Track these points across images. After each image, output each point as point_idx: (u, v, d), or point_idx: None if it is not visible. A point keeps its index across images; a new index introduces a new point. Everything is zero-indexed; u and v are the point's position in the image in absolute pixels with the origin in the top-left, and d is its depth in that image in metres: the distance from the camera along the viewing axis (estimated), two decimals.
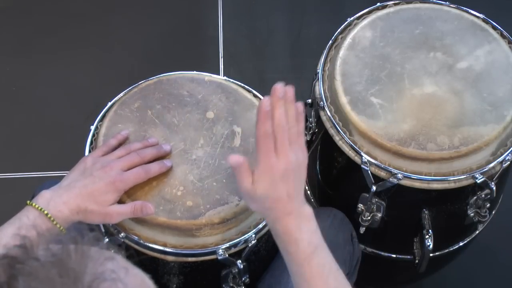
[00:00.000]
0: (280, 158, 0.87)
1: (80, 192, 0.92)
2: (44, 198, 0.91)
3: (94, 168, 0.95)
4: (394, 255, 1.30)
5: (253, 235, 1.00)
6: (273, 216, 0.88)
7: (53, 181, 0.97)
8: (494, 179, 1.11)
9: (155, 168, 0.99)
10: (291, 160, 0.87)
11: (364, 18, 1.22)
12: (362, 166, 1.10)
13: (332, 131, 1.13)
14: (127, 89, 1.12)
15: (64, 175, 0.97)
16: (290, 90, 0.91)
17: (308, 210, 0.89)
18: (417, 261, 1.22)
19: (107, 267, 0.54)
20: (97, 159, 0.97)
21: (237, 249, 1.00)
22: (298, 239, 0.87)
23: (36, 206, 0.90)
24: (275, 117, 0.87)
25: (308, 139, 1.26)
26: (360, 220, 1.17)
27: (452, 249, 1.29)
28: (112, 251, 0.58)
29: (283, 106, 0.89)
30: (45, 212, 0.90)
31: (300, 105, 0.92)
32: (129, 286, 0.55)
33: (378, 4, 1.24)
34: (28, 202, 0.91)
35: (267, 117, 0.87)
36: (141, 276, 0.58)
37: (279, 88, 0.90)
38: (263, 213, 0.91)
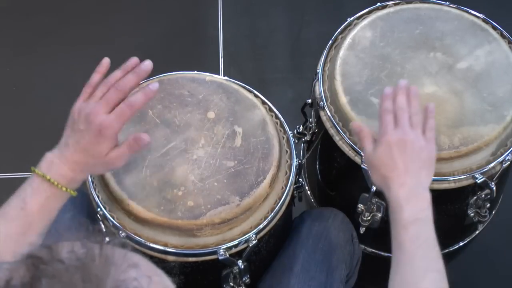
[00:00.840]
0: (397, 129, 0.95)
1: (75, 150, 0.89)
2: (47, 162, 0.89)
3: (80, 120, 0.90)
4: None
5: (254, 235, 1.00)
6: (387, 184, 0.93)
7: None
8: (494, 179, 1.11)
9: (139, 99, 0.90)
10: (408, 134, 0.95)
11: (364, 18, 1.22)
12: (362, 166, 1.10)
13: (332, 131, 1.14)
14: None
15: None
16: (415, 88, 1.01)
17: (425, 193, 0.93)
18: None
19: (129, 274, 0.53)
20: (82, 107, 0.91)
21: (237, 249, 1.00)
22: (403, 206, 0.91)
23: (39, 172, 0.88)
24: (397, 100, 0.98)
25: (308, 139, 1.26)
26: (360, 220, 1.17)
27: (452, 249, 1.29)
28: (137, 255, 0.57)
29: (404, 94, 0.99)
30: (48, 177, 0.88)
31: (428, 104, 1.01)
32: None
33: (378, 4, 1.24)
34: (32, 168, 0.89)
35: (388, 98, 0.98)
36: (163, 284, 0.57)
37: (403, 82, 1.01)
38: (381, 182, 0.96)
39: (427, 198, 0.93)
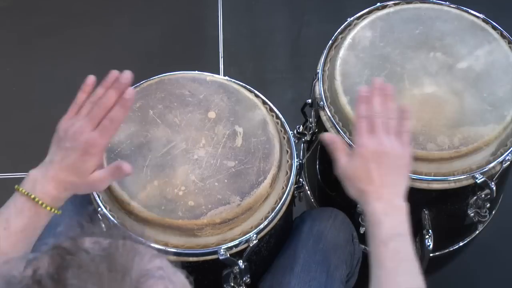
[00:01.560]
0: (372, 138, 0.93)
1: (60, 168, 0.89)
2: (31, 179, 0.89)
3: (66, 138, 0.90)
4: None
5: (255, 235, 1.00)
6: (364, 198, 0.92)
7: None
8: (494, 179, 1.11)
9: (118, 113, 0.90)
10: (384, 143, 0.93)
11: (364, 18, 1.22)
12: None
13: (332, 131, 1.14)
14: None
15: None
16: (390, 86, 0.99)
17: (401, 204, 0.92)
18: None
19: (154, 264, 0.54)
20: (68, 124, 0.91)
21: (238, 249, 1.00)
22: (381, 221, 0.90)
23: (23, 190, 0.87)
24: (372, 103, 0.96)
25: (308, 139, 1.26)
26: (360, 220, 1.17)
27: (452, 249, 1.29)
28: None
29: (380, 96, 0.96)
30: (32, 196, 0.87)
31: (403, 105, 0.99)
32: (177, 285, 0.55)
33: (378, 4, 1.24)
34: (16, 186, 0.88)
35: (363, 101, 0.97)
36: (183, 279, 0.58)
37: (378, 80, 0.99)
38: (357, 195, 0.94)
39: (404, 209, 0.92)
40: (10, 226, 0.86)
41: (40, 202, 0.87)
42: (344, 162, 0.95)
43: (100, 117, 0.90)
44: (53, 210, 0.88)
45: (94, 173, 0.90)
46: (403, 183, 0.95)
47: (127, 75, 0.92)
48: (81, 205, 1.08)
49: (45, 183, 0.88)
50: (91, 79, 0.94)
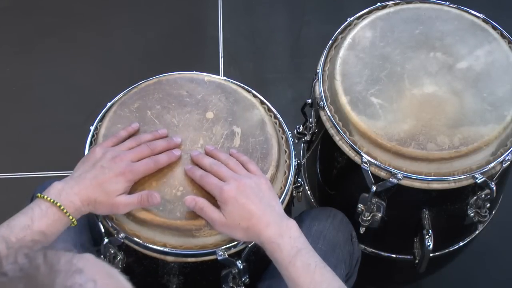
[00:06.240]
0: (229, 182, 0.95)
1: (90, 183, 0.94)
2: (56, 189, 0.93)
3: (104, 158, 0.96)
4: (394, 255, 1.30)
5: None
6: (255, 232, 0.93)
7: (53, 181, 0.97)
8: (494, 179, 1.11)
9: (164, 159, 1.00)
10: (239, 178, 0.95)
11: (364, 18, 1.22)
12: (362, 166, 1.10)
13: (332, 131, 1.13)
14: (127, 90, 1.12)
15: (64, 176, 0.97)
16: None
17: (289, 222, 0.94)
18: (417, 261, 1.22)
19: (75, 280, 0.53)
20: (107, 150, 0.98)
21: (236, 249, 1.00)
22: (280, 244, 0.92)
23: (48, 198, 0.91)
24: (203, 164, 1.00)
25: (308, 139, 1.26)
26: (360, 220, 1.17)
27: (452, 249, 1.29)
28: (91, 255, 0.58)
29: (204, 156, 1.02)
30: (58, 204, 0.91)
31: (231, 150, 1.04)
32: None
33: (378, 4, 1.24)
34: (39, 195, 0.92)
35: (194, 170, 1.00)
36: (114, 286, 0.58)
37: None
38: (248, 235, 0.95)
39: (294, 225, 0.94)
40: (33, 225, 0.89)
41: (64, 210, 0.92)
42: (218, 216, 0.95)
43: (145, 155, 0.99)
44: (73, 220, 0.93)
45: (121, 196, 0.95)
46: (278, 203, 0.98)
47: (179, 140, 1.04)
48: None
49: (71, 194, 0.93)
50: (136, 125, 1.05)
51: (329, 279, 0.91)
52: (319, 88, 1.17)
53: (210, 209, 0.96)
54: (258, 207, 0.94)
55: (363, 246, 1.28)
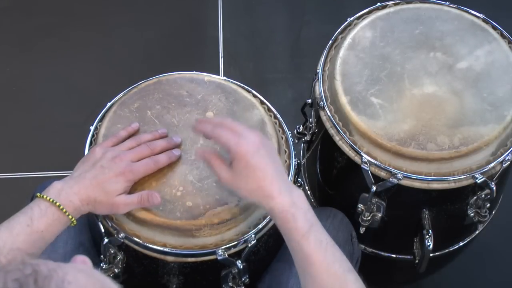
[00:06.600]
0: (246, 136, 0.91)
1: (90, 183, 0.94)
2: (56, 189, 0.93)
3: (104, 158, 0.96)
4: (394, 255, 1.30)
5: (253, 236, 1.00)
6: (264, 196, 0.89)
7: (53, 181, 0.98)
8: (494, 179, 1.11)
9: (163, 159, 1.00)
10: (259, 137, 0.92)
11: (364, 18, 1.22)
12: (362, 166, 1.10)
13: (332, 131, 1.13)
14: (127, 90, 1.12)
15: (64, 176, 0.97)
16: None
17: (299, 191, 0.91)
18: (417, 261, 1.22)
19: None
20: (107, 150, 0.98)
21: (236, 249, 1.00)
22: (295, 214, 0.88)
23: (47, 198, 0.91)
24: (212, 122, 0.96)
25: (308, 139, 1.26)
26: (360, 220, 1.17)
27: (452, 249, 1.29)
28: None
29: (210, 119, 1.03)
30: (57, 203, 0.91)
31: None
32: None
33: (378, 4, 1.24)
34: (38, 194, 0.92)
35: (204, 122, 0.98)
36: None
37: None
38: (252, 196, 0.91)
39: (303, 197, 0.90)
40: (33, 224, 0.89)
41: (64, 209, 0.91)
42: (227, 172, 0.92)
43: (145, 155, 0.99)
44: (72, 219, 0.93)
45: (121, 196, 0.95)
46: (284, 171, 0.95)
47: (177, 139, 1.04)
48: None
49: (70, 193, 0.93)
50: (136, 125, 1.05)
51: (339, 259, 0.89)
52: (319, 88, 1.17)
53: (219, 163, 0.93)
54: (272, 169, 0.90)
55: (363, 246, 1.28)
